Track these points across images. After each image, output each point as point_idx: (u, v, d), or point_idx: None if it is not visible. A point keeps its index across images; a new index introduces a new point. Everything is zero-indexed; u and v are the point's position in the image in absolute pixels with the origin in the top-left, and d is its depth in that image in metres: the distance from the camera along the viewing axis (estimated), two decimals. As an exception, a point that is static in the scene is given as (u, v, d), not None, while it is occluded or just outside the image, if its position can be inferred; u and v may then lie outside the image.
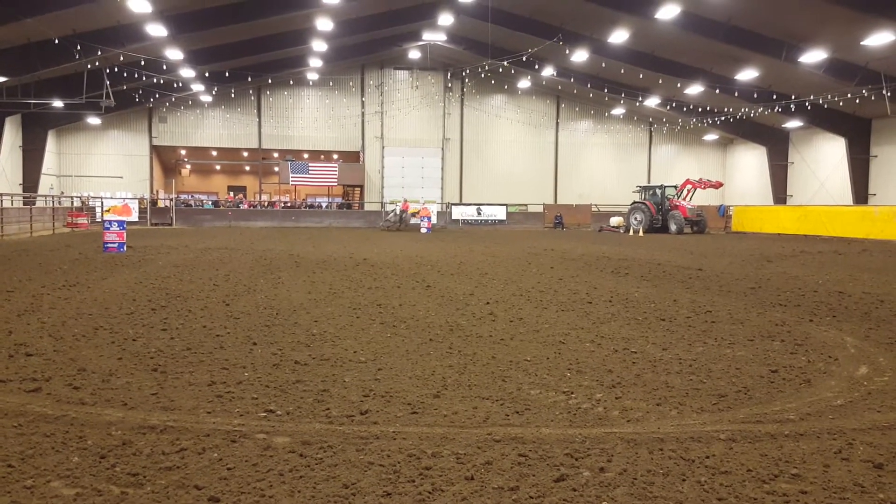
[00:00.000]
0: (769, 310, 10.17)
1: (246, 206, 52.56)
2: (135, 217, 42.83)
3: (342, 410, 5.17)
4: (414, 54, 48.01)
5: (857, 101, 33.31)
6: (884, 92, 30.81)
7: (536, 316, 9.47)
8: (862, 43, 28.60)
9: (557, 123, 53.26)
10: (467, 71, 48.18)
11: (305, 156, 53.78)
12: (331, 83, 50.85)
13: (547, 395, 5.62)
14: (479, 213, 48.49)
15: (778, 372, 6.46)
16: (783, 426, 4.89)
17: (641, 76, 40.51)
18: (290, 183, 50.84)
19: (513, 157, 52.93)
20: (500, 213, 48.58)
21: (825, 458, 4.27)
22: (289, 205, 54.77)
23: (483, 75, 46.38)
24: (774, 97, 38.06)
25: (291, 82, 49.07)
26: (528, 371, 6.40)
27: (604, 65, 39.93)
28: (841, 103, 34.70)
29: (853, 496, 3.71)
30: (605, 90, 45.54)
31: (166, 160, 55.66)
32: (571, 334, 8.18)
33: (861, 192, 39.61)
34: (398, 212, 42.30)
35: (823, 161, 43.19)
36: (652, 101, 45.99)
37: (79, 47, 31.45)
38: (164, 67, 37.90)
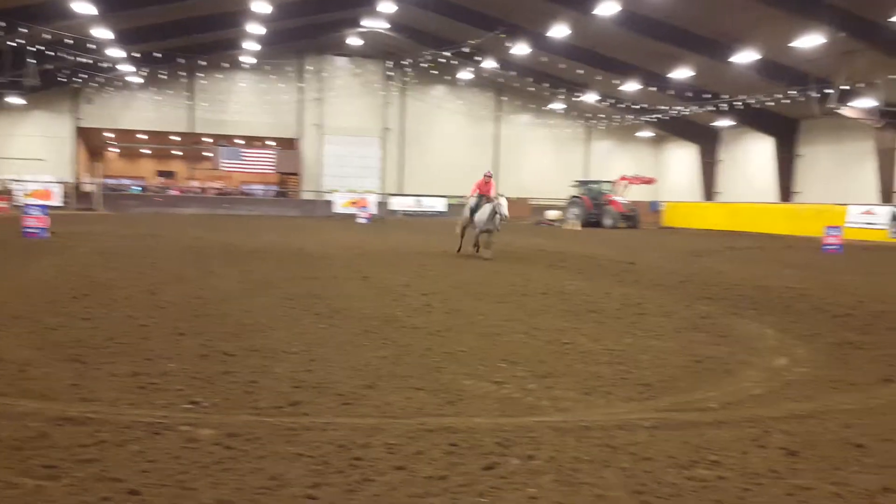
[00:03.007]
0: (696, 303, 10.43)
1: (176, 193, 51.42)
2: (58, 202, 41.45)
3: (271, 402, 5.11)
4: (354, 41, 47.59)
5: (786, 101, 34.34)
6: (811, 93, 31.83)
7: (472, 308, 9.52)
8: (791, 44, 29.48)
9: (498, 116, 53.57)
10: (409, 60, 48.04)
11: (241, 142, 52.83)
12: (267, 67, 50.01)
13: (480, 386, 5.66)
14: (419, 205, 48.48)
15: (702, 362, 6.64)
16: (704, 414, 5.03)
17: (580, 72, 41.03)
18: (222, 169, 49.89)
19: (453, 149, 53.02)
20: (439, 205, 48.66)
21: (743, 445, 4.41)
22: (222, 192, 53.76)
23: (424, 65, 46.31)
24: (707, 96, 38.99)
25: (226, 65, 48.06)
26: (463, 362, 6.44)
27: (544, 59, 40.30)
28: (771, 104, 35.73)
29: (768, 482, 3.84)
30: (546, 84, 46.01)
31: (92, 143, 53.96)
32: (506, 326, 8.25)
33: (787, 190, 40.91)
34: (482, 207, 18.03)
35: (752, 159, 44.45)
36: (590, 97, 46.61)
37: (1, 24, 30.22)
38: (92, 47, 36.72)
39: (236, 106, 50.45)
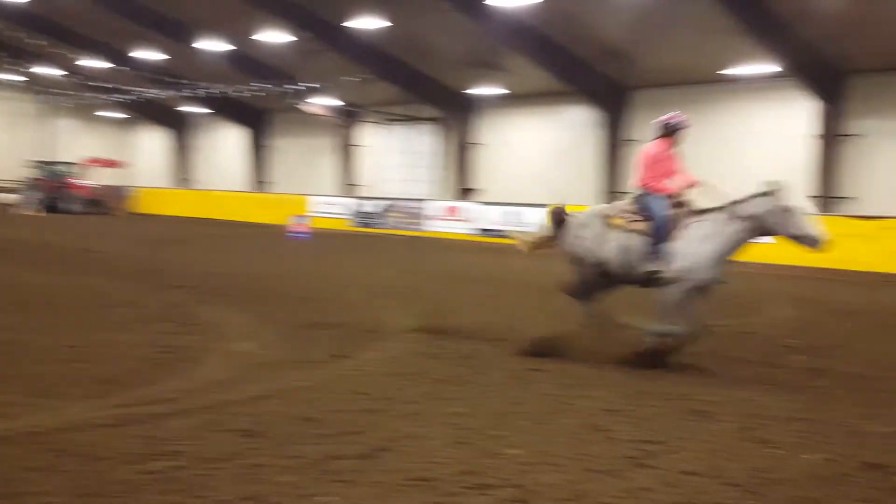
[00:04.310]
0: (166, 292, 10.27)
1: None
2: None
3: None
4: None
5: (258, 94, 35.78)
6: (278, 88, 33.72)
7: None
8: (259, 38, 30.82)
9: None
10: None
11: None
12: None
13: None
14: None
15: (169, 352, 6.57)
16: (168, 405, 4.98)
17: (42, 42, 37.01)
18: None
19: None
20: None
21: (203, 432, 4.45)
22: None
23: None
24: (181, 82, 38.61)
25: None
26: None
27: (-8, 22, 35.34)
28: (243, 94, 36.90)
29: (226, 465, 3.94)
30: (-5, 51, 40.45)
31: None
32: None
33: (259, 180, 42.93)
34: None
35: (227, 148, 45.53)
36: (50, 70, 42.41)
37: None
38: None
39: None
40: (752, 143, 23.67)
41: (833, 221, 18.94)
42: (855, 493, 3.88)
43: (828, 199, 21.92)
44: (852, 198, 21.71)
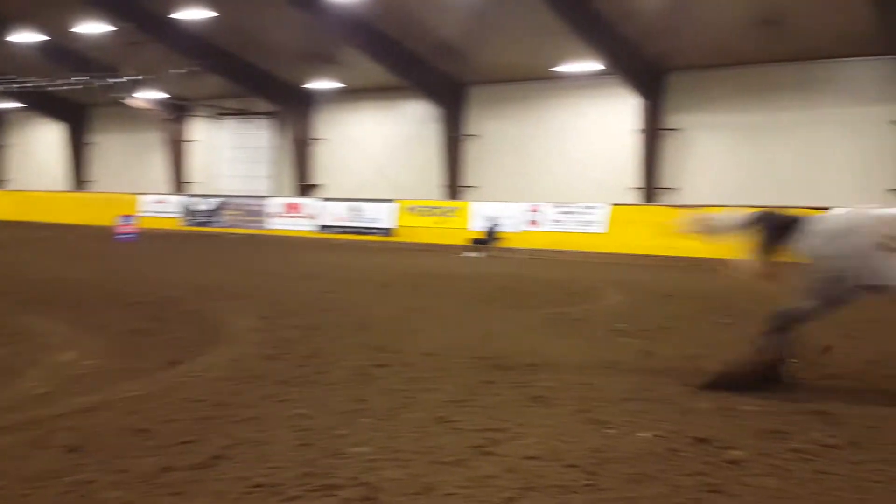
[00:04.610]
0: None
1: None
2: None
3: None
4: None
5: (76, 87, 33.54)
6: (99, 81, 31.76)
7: None
8: (76, 29, 28.92)
9: None
10: None
11: None
12: None
13: None
14: None
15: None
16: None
17: None
18: None
19: None
20: None
21: (22, 450, 4.13)
22: None
23: None
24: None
25: None
26: None
27: None
28: (59, 89, 34.48)
29: (47, 483, 3.65)
30: None
31: None
32: None
33: (81, 179, 40.30)
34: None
35: (44, 145, 42.49)
36: None
37: None
38: None
39: None
40: (583, 137, 24.84)
41: (656, 211, 20.22)
42: (687, 467, 4.11)
43: (651, 189, 23.37)
44: (673, 188, 23.26)
